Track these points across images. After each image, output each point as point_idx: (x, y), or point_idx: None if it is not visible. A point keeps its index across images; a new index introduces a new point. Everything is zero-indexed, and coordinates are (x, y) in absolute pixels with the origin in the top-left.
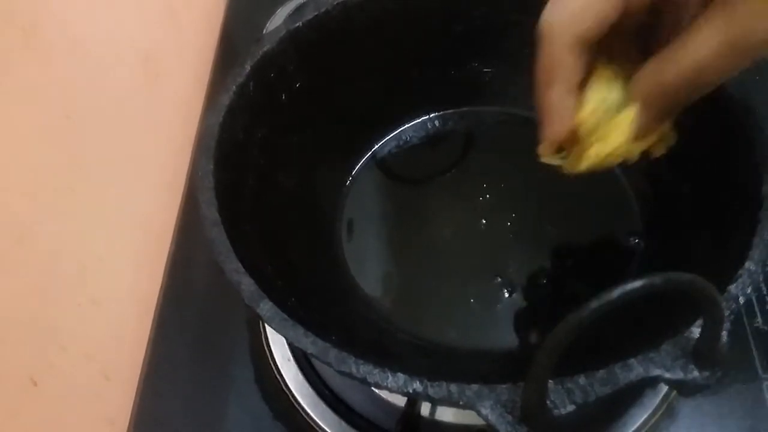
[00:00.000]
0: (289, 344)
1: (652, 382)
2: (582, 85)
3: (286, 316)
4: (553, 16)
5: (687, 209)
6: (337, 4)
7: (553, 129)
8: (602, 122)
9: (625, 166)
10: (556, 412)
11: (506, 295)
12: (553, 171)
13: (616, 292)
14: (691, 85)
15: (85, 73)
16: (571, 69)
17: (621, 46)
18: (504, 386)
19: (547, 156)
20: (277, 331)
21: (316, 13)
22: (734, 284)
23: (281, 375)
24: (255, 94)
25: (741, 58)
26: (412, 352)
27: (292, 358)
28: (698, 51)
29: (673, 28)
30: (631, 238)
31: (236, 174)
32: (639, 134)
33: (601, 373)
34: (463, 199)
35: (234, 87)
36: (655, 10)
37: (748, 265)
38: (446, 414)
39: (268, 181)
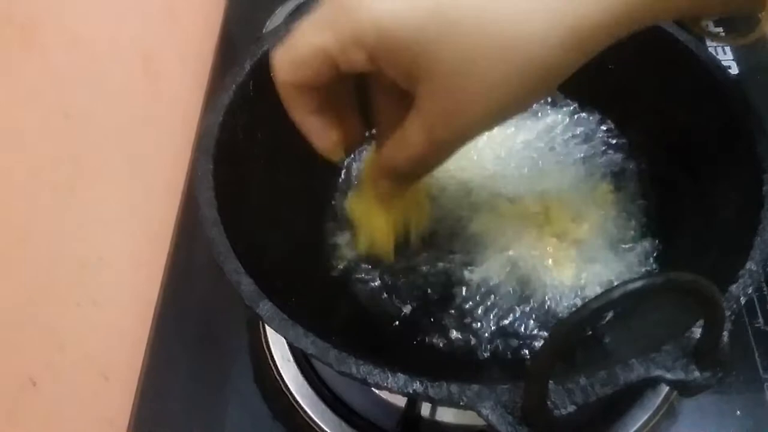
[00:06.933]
0: (289, 344)
1: (652, 383)
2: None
3: (285, 316)
4: (276, 60)
5: (689, 209)
6: None
7: (316, 145)
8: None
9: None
10: (556, 412)
11: (509, 294)
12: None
13: (617, 292)
14: (419, 166)
15: (85, 72)
16: (300, 101)
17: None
18: (504, 386)
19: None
20: (277, 331)
21: None
22: (735, 284)
23: (281, 375)
24: (255, 94)
25: (447, 151)
26: (412, 352)
27: (292, 358)
28: (412, 147)
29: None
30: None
31: (236, 174)
32: (386, 197)
33: (601, 373)
34: (465, 198)
35: (234, 86)
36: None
37: (749, 265)
38: (446, 414)
39: (268, 180)
